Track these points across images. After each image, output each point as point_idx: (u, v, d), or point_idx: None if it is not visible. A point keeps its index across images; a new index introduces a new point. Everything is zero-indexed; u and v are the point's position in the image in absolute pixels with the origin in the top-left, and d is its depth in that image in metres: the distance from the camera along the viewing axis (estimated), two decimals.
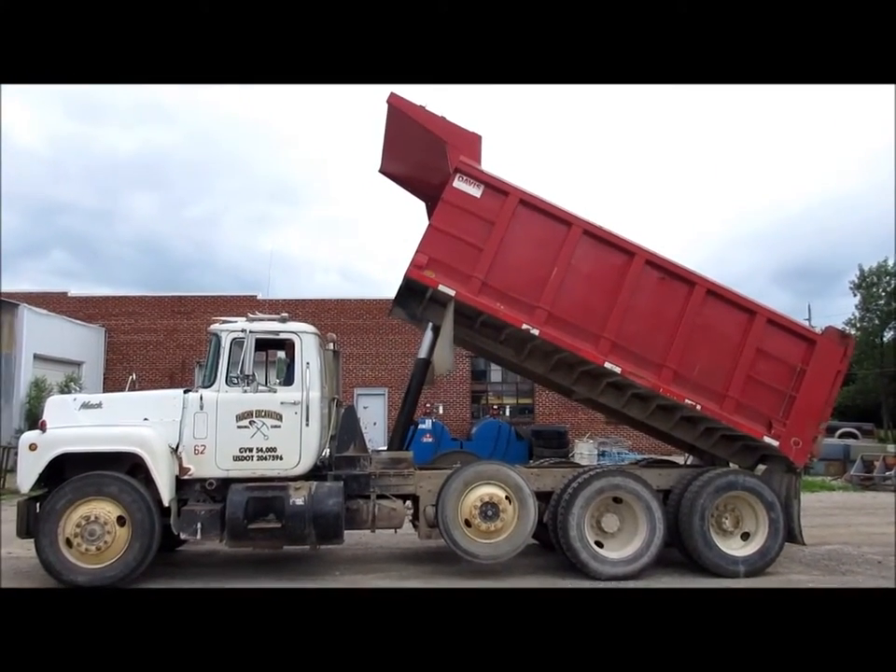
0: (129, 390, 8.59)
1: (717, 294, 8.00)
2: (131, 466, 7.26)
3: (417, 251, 7.65)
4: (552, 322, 7.71)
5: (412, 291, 8.28)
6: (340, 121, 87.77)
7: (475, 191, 7.69)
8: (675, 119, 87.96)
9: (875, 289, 52.16)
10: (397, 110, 7.84)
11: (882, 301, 51.55)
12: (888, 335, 52.65)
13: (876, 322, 52.49)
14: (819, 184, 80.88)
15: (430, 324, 8.68)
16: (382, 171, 9.39)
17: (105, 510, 6.94)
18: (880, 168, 75.62)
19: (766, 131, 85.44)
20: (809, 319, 43.83)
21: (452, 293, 7.60)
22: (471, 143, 7.91)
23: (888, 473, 17.48)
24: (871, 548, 9.48)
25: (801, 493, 8.54)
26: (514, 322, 7.70)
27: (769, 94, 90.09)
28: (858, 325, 53.91)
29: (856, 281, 53.45)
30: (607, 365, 7.73)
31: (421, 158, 8.59)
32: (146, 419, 7.38)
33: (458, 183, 7.68)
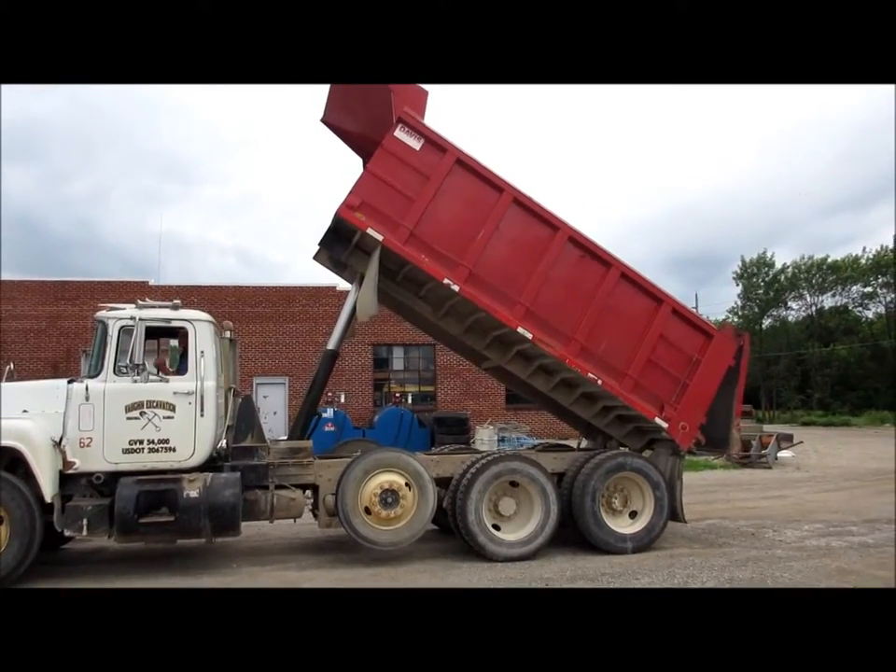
0: (6, 380, 8.08)
1: (630, 279, 8.37)
2: (9, 461, 6.85)
3: (351, 192, 7.71)
4: (472, 281, 7.88)
5: (339, 235, 8.25)
6: (237, 94, 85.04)
7: (415, 143, 7.79)
8: (578, 112, 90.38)
9: (755, 279, 55.61)
10: None
11: (761, 291, 55.05)
12: (766, 322, 56.35)
13: (756, 310, 56.06)
14: (709, 178, 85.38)
15: (356, 276, 8.65)
16: (324, 121, 9.25)
17: None
18: (765, 163, 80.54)
19: (661, 126, 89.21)
20: (696, 307, 46.31)
21: (379, 238, 7.68)
22: (417, 96, 8.06)
23: (763, 451, 18.72)
24: (746, 521, 10.17)
25: (685, 472, 9.07)
26: (436, 275, 7.83)
27: (664, 90, 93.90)
28: (739, 312, 57.49)
29: (738, 271, 56.85)
30: (519, 330, 7.95)
31: (366, 109, 8.53)
32: (25, 411, 6.97)
33: (399, 133, 7.76)
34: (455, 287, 7.82)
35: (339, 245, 8.34)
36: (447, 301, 8.35)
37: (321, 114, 9.14)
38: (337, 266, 8.98)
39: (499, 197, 8.00)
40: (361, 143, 9.09)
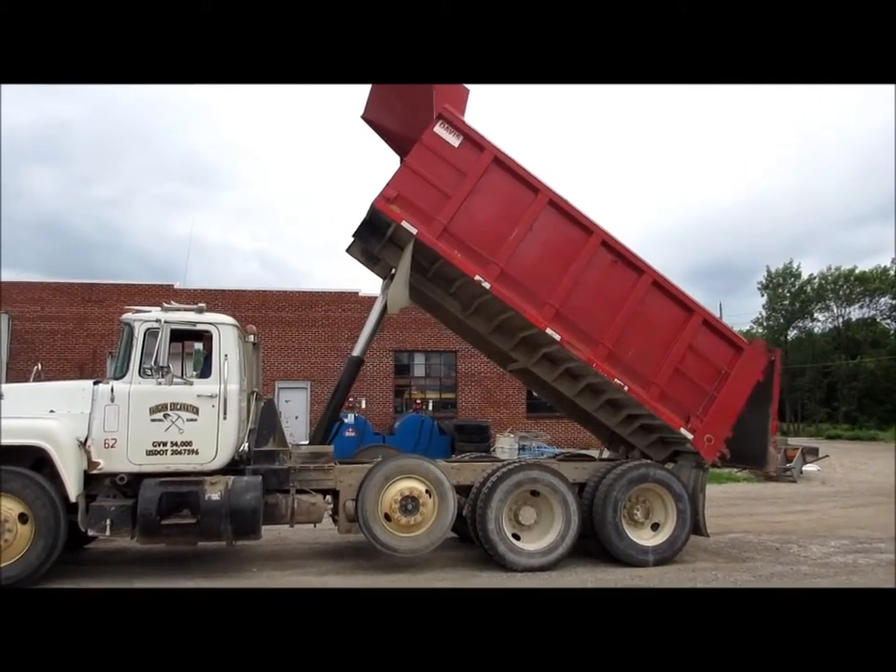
0: (34, 381, 8.19)
1: (661, 287, 8.32)
2: (35, 460, 6.93)
3: (387, 185, 7.79)
4: (503, 279, 7.90)
5: (373, 227, 8.29)
6: (258, 100, 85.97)
7: (453, 140, 7.86)
8: (600, 120, 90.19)
9: (780, 290, 54.99)
10: None
11: (787, 302, 54.40)
12: (791, 334, 55.63)
13: (781, 321, 55.39)
14: (732, 186, 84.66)
15: (388, 272, 8.74)
16: (364, 117, 9.41)
17: (6, 506, 6.60)
18: (788, 172, 79.76)
19: (681, 133, 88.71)
20: (721, 317, 45.79)
21: (413, 231, 7.74)
22: (459, 94, 8.22)
23: (788, 465, 18.43)
24: (770, 536, 10.01)
25: (708, 485, 8.94)
26: (468, 272, 7.85)
27: (685, 98, 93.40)
28: (764, 323, 56.84)
29: (763, 282, 56.25)
30: (548, 331, 7.93)
31: (406, 106, 8.64)
32: (52, 411, 7.06)
33: (439, 129, 7.83)
34: (486, 285, 7.84)
35: (373, 237, 8.38)
36: (477, 298, 8.38)
37: (361, 111, 9.34)
38: (369, 260, 9.06)
39: (535, 197, 8.02)
40: (400, 140, 9.19)
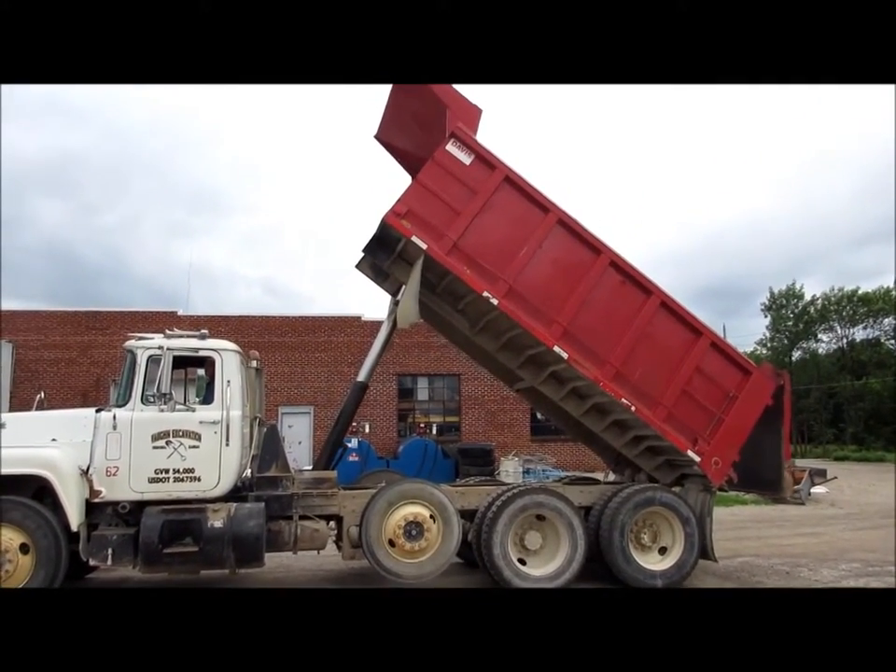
0: (37, 409, 8.18)
1: (669, 308, 8.33)
2: (37, 489, 6.90)
3: (398, 201, 7.83)
4: (511, 296, 7.91)
5: (383, 243, 8.35)
6: (264, 124, 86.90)
7: (465, 158, 7.93)
8: (604, 142, 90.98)
9: (784, 311, 55.00)
10: None
11: (790, 323, 54.36)
12: (795, 354, 55.51)
13: (785, 342, 55.32)
14: (733, 207, 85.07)
15: (396, 288, 8.79)
16: (377, 137, 9.54)
17: (7, 537, 6.55)
18: (790, 192, 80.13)
19: (683, 154, 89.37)
20: (724, 338, 45.67)
21: (423, 247, 7.76)
22: (472, 114, 8.24)
23: (796, 487, 18.23)
24: (780, 559, 9.89)
25: (715, 508, 8.85)
26: (476, 288, 7.86)
27: (687, 118, 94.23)
28: (769, 344, 56.78)
29: (766, 303, 56.29)
30: (555, 349, 7.92)
31: (420, 126, 8.75)
32: (54, 440, 7.02)
33: (451, 147, 7.91)
34: (494, 301, 7.84)
35: (382, 252, 8.44)
36: (485, 315, 8.39)
37: (374, 131, 9.46)
38: (378, 275, 9.10)
39: (544, 217, 8.06)
40: (412, 160, 9.30)
